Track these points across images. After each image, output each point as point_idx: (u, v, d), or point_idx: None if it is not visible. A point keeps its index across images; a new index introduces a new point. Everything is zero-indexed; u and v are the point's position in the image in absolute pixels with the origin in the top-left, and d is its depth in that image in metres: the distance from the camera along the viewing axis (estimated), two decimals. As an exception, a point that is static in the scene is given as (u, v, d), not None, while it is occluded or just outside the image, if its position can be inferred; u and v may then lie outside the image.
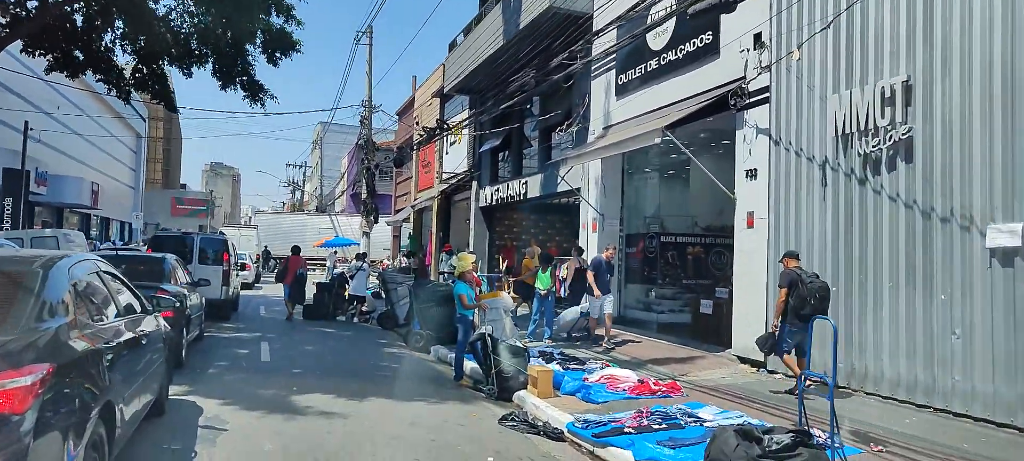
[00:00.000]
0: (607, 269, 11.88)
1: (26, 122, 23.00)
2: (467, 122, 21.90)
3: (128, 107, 46.00)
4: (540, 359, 9.67)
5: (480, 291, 15.37)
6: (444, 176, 22.47)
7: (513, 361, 8.61)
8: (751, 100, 9.85)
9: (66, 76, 16.90)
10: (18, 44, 15.73)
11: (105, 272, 5.31)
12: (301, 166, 55.62)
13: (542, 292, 12.53)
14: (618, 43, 12.92)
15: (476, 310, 9.43)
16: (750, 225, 9.84)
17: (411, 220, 29.61)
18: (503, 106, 18.67)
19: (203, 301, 11.74)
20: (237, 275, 17.15)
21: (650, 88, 12.44)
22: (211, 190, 75.44)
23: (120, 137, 47.83)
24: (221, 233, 15.61)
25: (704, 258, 13.45)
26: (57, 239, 15.98)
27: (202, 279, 11.21)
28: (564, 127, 14.90)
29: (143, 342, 5.30)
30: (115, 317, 4.94)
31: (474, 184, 21.81)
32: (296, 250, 17.57)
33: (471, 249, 21.99)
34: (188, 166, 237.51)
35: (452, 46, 22.10)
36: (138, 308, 5.75)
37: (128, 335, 4.93)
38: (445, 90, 20.91)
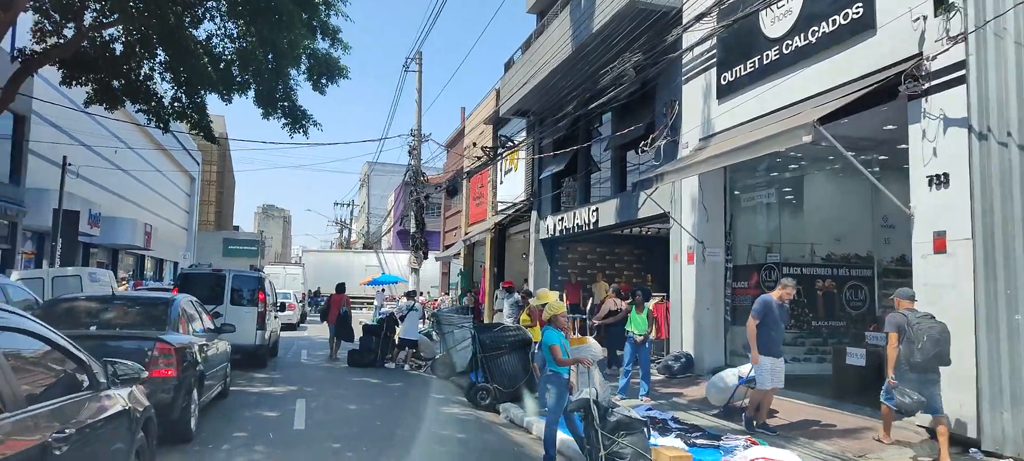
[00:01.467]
0: (781, 316, 7.84)
1: (65, 157, 21.56)
2: (525, 145, 19.60)
3: (182, 150, 45.62)
4: (654, 431, 7.07)
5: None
6: (499, 206, 20.16)
7: (629, 439, 6.03)
8: (935, 82, 7.21)
9: (104, 107, 15.35)
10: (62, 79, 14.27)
11: (33, 334, 3.01)
12: (348, 205, 54.31)
13: (638, 337, 9.91)
14: (717, 35, 10.47)
15: (573, 368, 6.87)
16: (940, 249, 7.11)
17: (461, 256, 27.29)
18: (566, 125, 16.34)
19: (229, 350, 9.46)
20: (276, 316, 14.92)
21: (769, 84, 9.88)
22: (262, 231, 74.88)
23: (174, 180, 47.41)
24: (257, 270, 13.40)
25: (836, 294, 10.67)
26: (80, 278, 14.05)
27: (227, 324, 8.92)
28: (647, 143, 12.42)
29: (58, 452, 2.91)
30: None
31: (533, 214, 19.39)
32: (340, 288, 15.93)
33: (531, 287, 19.49)
34: (240, 209, 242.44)
35: (508, 66, 19.94)
36: (84, 383, 3.41)
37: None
38: (500, 113, 18.71)
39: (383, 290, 32.52)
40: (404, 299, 28.03)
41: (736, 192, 11.86)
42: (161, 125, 15.71)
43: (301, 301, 28.10)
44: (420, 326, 14.03)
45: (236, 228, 78.97)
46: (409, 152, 22.78)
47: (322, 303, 35.45)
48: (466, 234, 25.31)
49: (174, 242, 46.98)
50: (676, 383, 11.13)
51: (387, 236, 49.16)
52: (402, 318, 13.77)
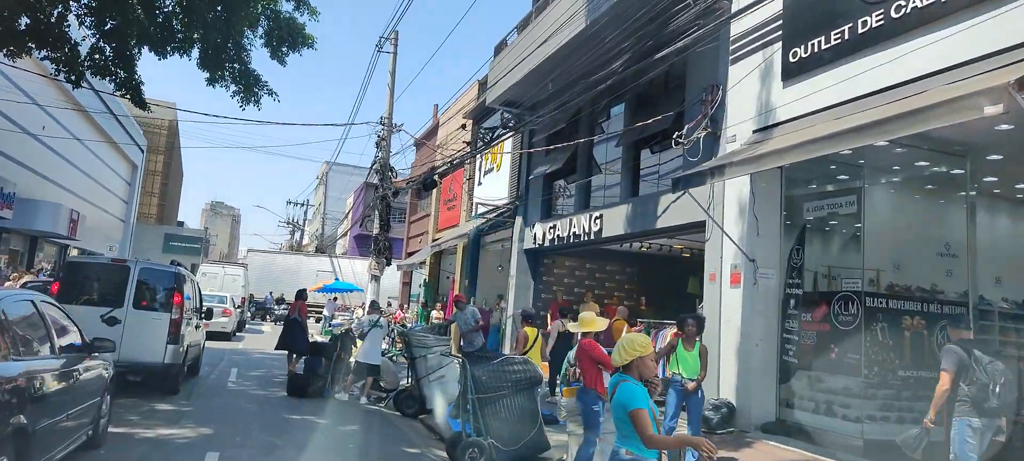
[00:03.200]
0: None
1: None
2: (513, 140, 17.01)
3: (127, 136, 41.51)
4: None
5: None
6: (479, 208, 17.45)
7: None
8: None
9: (4, 54, 12.23)
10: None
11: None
12: (303, 204, 50.61)
13: (689, 384, 7.29)
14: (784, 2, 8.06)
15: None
16: None
17: (427, 265, 24.41)
18: (566, 118, 13.81)
19: (107, 377, 6.46)
20: (199, 326, 11.79)
21: (866, 59, 7.48)
22: (206, 228, 70.28)
23: (114, 166, 43.27)
24: (177, 265, 10.31)
25: (925, 335, 8.27)
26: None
27: (100, 340, 5.89)
28: (680, 136, 9.91)
29: None
30: None
31: (517, 220, 16.73)
32: (301, 294, 13.53)
33: (509, 304, 16.78)
34: (188, 204, 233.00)
35: (499, 49, 17.32)
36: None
37: None
38: (488, 102, 16.06)
39: (334, 299, 29.34)
40: (360, 311, 24.97)
41: (797, 200, 9.39)
42: (73, 79, 12.69)
43: (240, 307, 24.73)
44: (383, 346, 11.13)
45: (180, 224, 74.10)
46: (377, 143, 19.85)
47: (262, 309, 32.30)
48: (435, 240, 22.46)
49: (107, 233, 42.60)
50: (717, 441, 8.53)
51: (343, 240, 45.79)
52: (362, 336, 10.87)
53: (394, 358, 11.18)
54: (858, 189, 8.64)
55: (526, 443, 7.28)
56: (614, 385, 4.05)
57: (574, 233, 13.98)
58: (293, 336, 12.18)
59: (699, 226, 10.39)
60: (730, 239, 9.15)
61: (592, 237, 13.38)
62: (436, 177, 16.30)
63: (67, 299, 8.73)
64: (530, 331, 8.04)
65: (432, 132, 25.15)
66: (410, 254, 26.76)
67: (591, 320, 6.68)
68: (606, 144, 14.20)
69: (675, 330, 10.98)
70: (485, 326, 19.08)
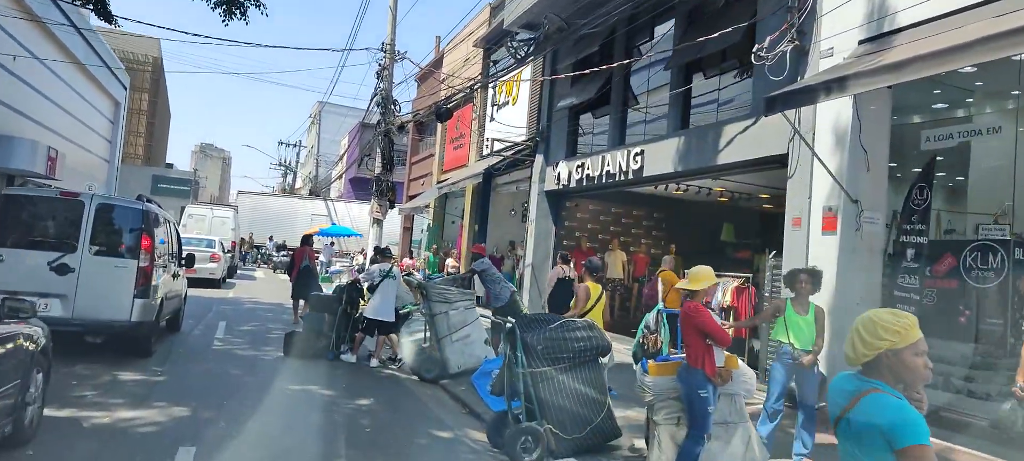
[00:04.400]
0: None
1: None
2: (529, 66, 15.05)
3: (107, 71, 38.93)
4: None
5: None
6: (495, 146, 15.57)
7: None
8: None
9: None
10: None
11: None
12: (295, 145, 48.31)
13: (804, 357, 5.59)
14: None
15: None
16: None
17: (431, 208, 22.60)
18: (601, 37, 11.90)
19: (35, 349, 4.69)
20: (177, 274, 10.00)
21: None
22: (196, 169, 67.92)
23: (95, 103, 40.80)
24: (145, 200, 8.40)
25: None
26: None
27: (10, 299, 4.11)
28: (761, 50, 8.01)
29: None
30: None
31: (537, 159, 14.87)
32: (306, 239, 13.66)
33: (528, 252, 15.08)
34: (176, 146, 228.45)
35: (517, -38, 15.13)
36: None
37: None
38: (506, 25, 13.98)
39: (331, 244, 27.62)
40: (360, 257, 23.18)
41: (911, 126, 7.61)
42: None
43: (230, 251, 22.94)
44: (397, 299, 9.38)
45: (169, 166, 71.59)
46: (378, 74, 17.76)
47: (264, 255, 30.20)
48: (440, 181, 20.59)
49: (91, 173, 40.30)
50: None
51: (337, 183, 43.79)
52: (372, 288, 9.13)
53: (409, 312, 9.45)
54: (1013, 111, 6.86)
55: (593, 429, 5.64)
56: (855, 391, 2.34)
57: (608, 172, 12.17)
58: (309, 286, 11.78)
59: (776, 161, 8.62)
60: (829, 174, 7.37)
61: (630, 176, 11.58)
62: (449, 107, 14.32)
63: (3, 241, 6.92)
64: (593, 287, 6.34)
65: (435, 66, 23.00)
66: (412, 197, 24.91)
67: (705, 275, 4.94)
68: (646, 71, 12.28)
69: (736, 284, 9.38)
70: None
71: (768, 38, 8.07)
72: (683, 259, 15.06)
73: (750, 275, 9.35)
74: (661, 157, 10.84)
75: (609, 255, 14.66)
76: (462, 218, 20.14)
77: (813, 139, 7.77)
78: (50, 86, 27.87)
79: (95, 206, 7.80)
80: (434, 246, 19.55)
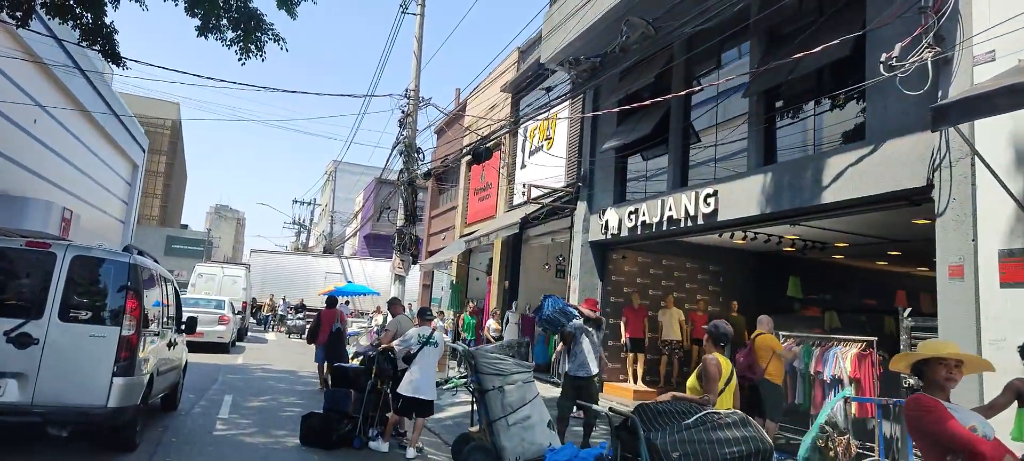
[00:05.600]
0: None
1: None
2: (566, 105, 13.54)
3: (125, 133, 38.11)
4: None
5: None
6: (533, 193, 13.89)
7: None
8: None
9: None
10: None
11: None
12: (309, 204, 46.89)
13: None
14: None
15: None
16: None
17: (453, 265, 20.85)
18: (645, 69, 10.41)
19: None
20: (175, 343, 8.16)
21: None
22: (209, 230, 66.81)
23: (113, 165, 39.84)
24: (135, 252, 6.68)
25: None
26: None
27: None
28: (891, 58, 6.39)
29: None
30: None
31: (580, 207, 13.19)
32: (331, 302, 12.52)
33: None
34: (192, 207, 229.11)
35: (554, -4, 13.78)
36: None
37: None
38: (543, 60, 12.48)
39: (347, 302, 25.74)
40: (379, 317, 21.28)
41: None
42: (18, 17, 9.45)
43: (240, 313, 21.14)
44: (439, 373, 7.56)
45: (184, 226, 70.54)
46: (400, 121, 16.32)
47: (299, 321, 27.64)
48: (465, 235, 18.89)
49: (104, 234, 39.05)
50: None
51: (352, 240, 42.26)
52: (408, 359, 7.32)
53: (454, 388, 7.59)
54: None
55: None
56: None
57: (670, 217, 10.45)
58: (340, 352, 10.95)
59: (910, 196, 6.89)
60: (1015, 201, 5.60)
61: (700, 222, 9.85)
62: (488, 147, 12.71)
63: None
64: (723, 361, 4.50)
65: (454, 120, 21.63)
66: (431, 253, 23.20)
67: (940, 348, 3.12)
68: (708, 104, 10.69)
69: (857, 350, 7.50)
70: (529, 336, 15.61)
71: (898, 45, 6.42)
72: (745, 318, 13.31)
73: (873, 339, 7.45)
74: (741, 198, 9.12)
75: (664, 313, 12.81)
76: (489, 274, 18.38)
77: (973, 164, 6.04)
78: (69, 148, 26.50)
79: (69, 258, 6.08)
80: (471, 304, 17.66)
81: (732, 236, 11.61)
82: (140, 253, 6.98)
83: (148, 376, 6.60)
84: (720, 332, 4.62)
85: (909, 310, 6.85)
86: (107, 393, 5.80)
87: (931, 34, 6.35)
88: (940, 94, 6.28)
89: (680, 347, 12.73)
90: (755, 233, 11.39)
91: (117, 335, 5.97)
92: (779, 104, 9.21)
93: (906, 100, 6.63)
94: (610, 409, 4.17)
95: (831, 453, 3.95)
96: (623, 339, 12.54)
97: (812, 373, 7.86)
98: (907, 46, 6.44)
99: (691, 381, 4.67)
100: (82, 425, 5.80)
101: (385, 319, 18.73)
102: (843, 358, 7.47)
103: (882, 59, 6.48)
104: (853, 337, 7.71)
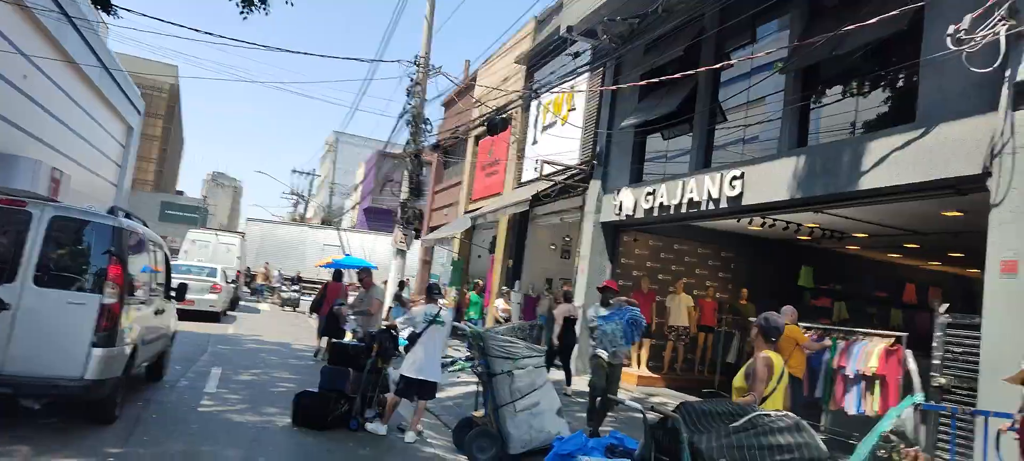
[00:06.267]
0: None
1: None
2: (585, 77, 13.00)
3: (120, 94, 37.42)
4: None
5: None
6: (545, 169, 13.36)
7: None
8: None
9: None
10: None
11: None
12: (309, 174, 46.22)
13: None
14: None
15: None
16: None
17: (456, 241, 20.37)
18: (672, 41, 9.87)
19: None
20: (163, 310, 7.67)
21: None
22: (205, 197, 66.25)
23: (108, 127, 39.12)
24: (122, 215, 6.23)
25: None
26: None
27: None
28: (960, 31, 5.86)
29: None
30: None
31: (594, 186, 12.67)
32: (338, 275, 12.61)
33: (577, 291, 12.79)
34: (188, 175, 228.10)
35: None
36: None
37: None
38: (568, 28, 11.85)
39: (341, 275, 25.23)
40: (411, 299, 20.73)
41: None
42: None
43: (234, 281, 20.68)
44: (446, 352, 7.10)
45: (179, 193, 69.91)
46: (408, 90, 15.74)
47: (293, 292, 26.81)
48: (470, 211, 18.38)
49: (97, 197, 38.53)
50: None
51: (351, 213, 41.74)
52: (413, 337, 6.86)
53: (460, 370, 7.14)
54: None
55: None
56: None
57: (691, 200, 9.94)
58: (340, 328, 10.75)
59: (958, 184, 6.40)
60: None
61: (725, 205, 9.35)
62: (503, 118, 12.16)
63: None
64: (775, 358, 4.00)
65: (465, 90, 21.01)
66: (433, 228, 22.70)
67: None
68: (737, 82, 10.15)
69: (885, 346, 7.04)
70: (531, 317, 15.14)
71: (968, 17, 5.88)
72: (755, 306, 12.87)
73: (903, 335, 6.99)
74: (769, 182, 8.61)
75: (672, 299, 12.38)
76: (492, 252, 17.90)
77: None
78: (61, 106, 25.75)
79: (48, 219, 5.59)
80: (478, 283, 17.16)
81: (751, 222, 11.16)
82: (127, 215, 6.53)
83: (131, 346, 6.19)
84: (771, 326, 4.13)
85: (946, 306, 6.38)
86: (85, 364, 5.40)
87: (1005, 5, 5.81)
88: (1008, 74, 5.76)
89: (687, 333, 12.31)
90: (775, 219, 10.93)
91: (98, 303, 5.54)
92: (818, 85, 8.65)
93: (966, 80, 6.10)
94: (653, 408, 3.71)
95: (898, 467, 3.51)
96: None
97: (834, 367, 7.43)
98: (978, 18, 5.91)
99: (738, 380, 4.19)
100: (57, 397, 5.43)
101: (431, 308, 18.19)
102: (870, 353, 7.03)
103: (949, 32, 5.93)
104: (881, 332, 7.26)
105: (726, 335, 12.00)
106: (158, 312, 7.45)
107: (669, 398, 10.80)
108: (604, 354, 7.29)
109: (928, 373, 6.06)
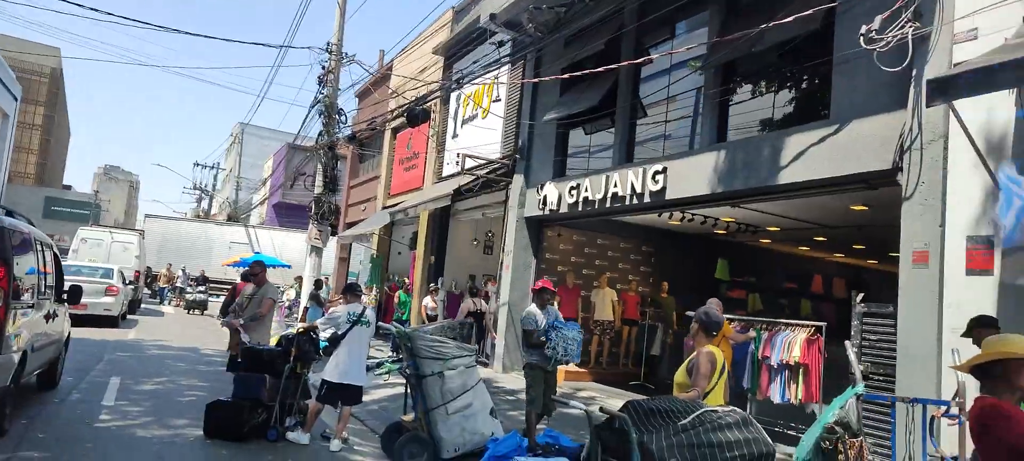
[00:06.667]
0: None
1: None
2: (506, 69, 12.89)
3: (-8, 79, 34.16)
4: None
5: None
6: (467, 163, 13.10)
7: None
8: None
9: None
10: None
11: None
12: (212, 168, 43.73)
13: None
14: None
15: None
16: None
17: (375, 237, 19.80)
18: (592, 36, 9.94)
19: None
20: (54, 314, 7.13)
21: None
22: (97, 192, 61.63)
23: (-23, 113, 35.50)
24: (1, 214, 5.63)
25: None
26: None
27: None
28: (872, 32, 6.11)
29: None
30: None
31: (516, 180, 12.57)
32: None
33: (500, 290, 12.70)
34: (78, 170, 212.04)
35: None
36: None
37: None
38: (488, 17, 11.65)
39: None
40: (291, 291, 19.88)
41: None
42: None
43: (133, 283, 19.24)
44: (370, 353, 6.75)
45: (67, 187, 64.60)
46: (320, 79, 15.10)
47: (200, 294, 24.59)
48: (389, 206, 17.91)
49: (-33, 192, 35.04)
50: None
51: (259, 209, 39.91)
52: (335, 339, 6.47)
53: (387, 372, 6.81)
54: None
55: None
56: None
57: (615, 194, 10.02)
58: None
59: (869, 179, 6.72)
60: (995, 183, 5.44)
61: (647, 199, 9.46)
62: (425, 108, 11.78)
63: None
64: (716, 352, 3.98)
65: (381, 79, 20.42)
66: (350, 224, 21.98)
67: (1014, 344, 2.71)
68: (658, 78, 10.30)
69: (806, 335, 7.33)
70: (452, 315, 14.91)
71: (878, 17, 6.15)
72: (674, 300, 13.20)
73: (822, 324, 7.30)
74: (692, 176, 8.77)
75: (596, 293, 12.51)
76: (413, 248, 17.50)
77: (945, 148, 5.86)
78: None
79: None
80: (405, 281, 16.68)
81: (670, 216, 11.41)
82: (9, 213, 6.01)
83: (20, 353, 5.75)
84: (712, 320, 4.11)
85: (862, 295, 6.69)
86: None
87: (911, 8, 6.11)
88: (914, 74, 6.07)
89: (611, 327, 12.47)
90: (693, 214, 11.23)
91: None
92: (737, 81, 8.88)
93: (876, 78, 6.39)
94: (600, 408, 3.59)
95: (841, 457, 3.56)
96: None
97: (759, 357, 7.66)
98: (887, 19, 6.18)
99: (680, 375, 4.15)
100: None
101: (297, 297, 17.51)
102: (792, 343, 7.29)
103: (862, 31, 6.18)
104: (802, 322, 7.55)
105: (650, 328, 12.19)
106: (49, 317, 6.94)
107: (597, 392, 10.88)
108: (545, 364, 6.78)
109: (846, 363, 6.33)
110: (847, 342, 4.76)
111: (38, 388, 7.50)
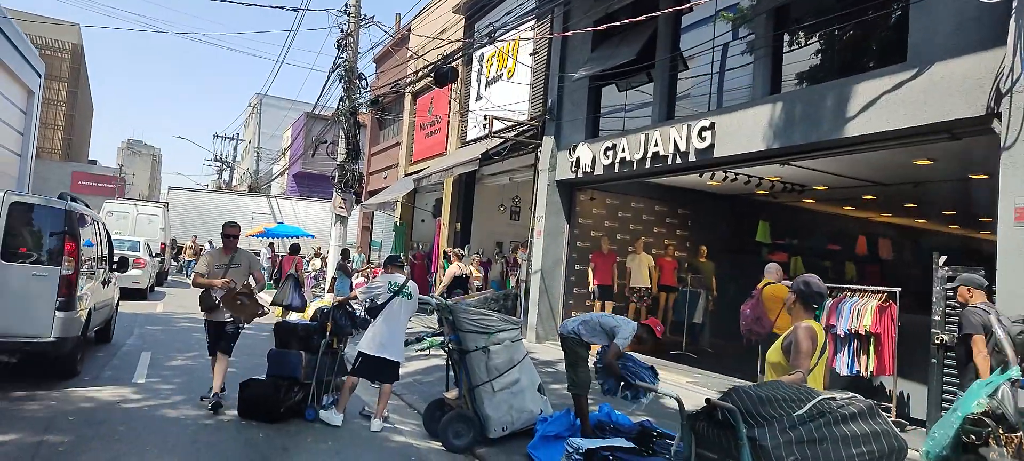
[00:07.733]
0: None
1: None
2: (530, 26, 12.17)
3: (16, 54, 33.83)
4: None
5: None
6: (495, 126, 12.45)
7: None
8: None
9: None
10: None
11: None
12: (232, 139, 43.34)
13: None
14: None
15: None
16: None
17: (398, 206, 19.29)
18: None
19: None
20: (108, 281, 8.41)
21: None
22: (121, 166, 61.79)
23: (4, 91, 35.27)
24: (69, 199, 6.85)
25: None
26: None
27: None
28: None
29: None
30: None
31: (546, 142, 11.92)
32: (294, 249, 13.03)
33: (534, 256, 12.13)
34: (102, 143, 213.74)
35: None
36: None
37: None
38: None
39: (271, 245, 23.76)
40: (318, 261, 19.45)
41: None
42: None
43: (160, 255, 18.97)
44: (409, 325, 6.24)
45: (92, 162, 64.82)
46: (338, 43, 14.42)
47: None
48: (411, 173, 17.33)
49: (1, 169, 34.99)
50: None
51: (280, 179, 39.56)
52: (373, 311, 5.97)
53: (428, 348, 6.31)
54: None
55: None
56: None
57: (656, 154, 9.34)
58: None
59: (954, 128, 6.00)
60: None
61: (692, 158, 8.79)
62: (452, 66, 11.11)
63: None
64: (818, 329, 3.39)
65: (400, 42, 19.68)
66: (372, 193, 21.47)
67: None
68: (697, 29, 9.52)
69: (878, 302, 6.69)
70: (484, 284, 14.40)
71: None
72: (714, 264, 12.56)
73: (895, 289, 6.65)
74: (742, 132, 8.08)
75: (632, 259, 11.88)
76: (437, 215, 16.98)
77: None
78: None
79: (8, 205, 6.31)
80: (451, 250, 16.03)
81: (712, 177, 10.70)
82: (73, 199, 7.00)
83: (87, 311, 7.01)
84: (813, 291, 3.50)
85: (945, 258, 6.03)
86: (51, 325, 6.24)
87: (1005, -66, 5.33)
88: (1015, 3, 5.31)
89: (648, 294, 11.88)
90: (737, 173, 10.52)
91: (58, 274, 6.34)
92: (791, 25, 8.11)
93: (964, 12, 5.65)
94: (706, 400, 3.02)
95: (994, 455, 2.98)
96: (591, 286, 11.56)
97: (824, 326, 7.04)
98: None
99: (774, 354, 3.57)
100: (27, 353, 6.28)
101: (323, 266, 17.07)
102: (862, 310, 6.66)
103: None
104: (873, 288, 6.90)
105: (691, 294, 11.56)
106: (104, 283, 8.17)
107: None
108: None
109: (929, 330, 5.71)
110: (992, 316, 4.11)
111: (96, 341, 8.58)
